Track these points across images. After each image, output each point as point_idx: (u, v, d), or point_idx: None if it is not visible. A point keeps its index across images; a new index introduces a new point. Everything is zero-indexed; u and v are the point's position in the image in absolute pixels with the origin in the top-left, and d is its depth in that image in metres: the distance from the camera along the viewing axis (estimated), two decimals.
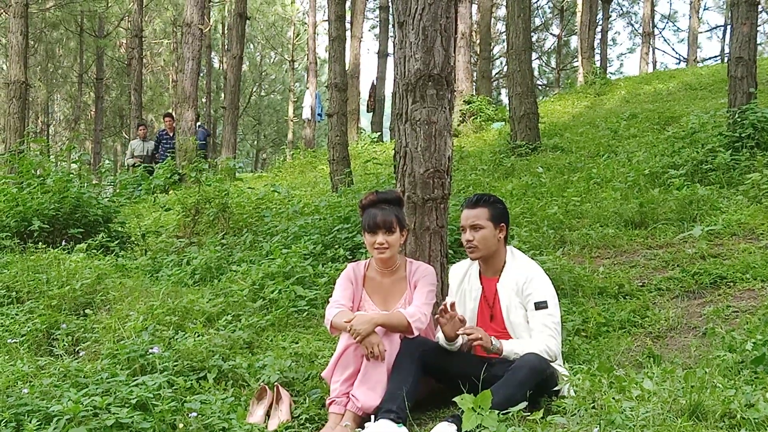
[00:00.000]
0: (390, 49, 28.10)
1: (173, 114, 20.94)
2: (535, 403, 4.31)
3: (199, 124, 19.73)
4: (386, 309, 4.95)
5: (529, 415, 3.92)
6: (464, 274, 5.10)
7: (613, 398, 3.69)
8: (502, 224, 4.92)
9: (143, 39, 32.35)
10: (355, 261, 5.43)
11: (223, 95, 32.75)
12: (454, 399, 4.12)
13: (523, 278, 4.80)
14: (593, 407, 3.81)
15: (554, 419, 3.80)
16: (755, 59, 11.25)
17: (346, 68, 15.85)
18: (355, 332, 4.59)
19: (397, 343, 4.69)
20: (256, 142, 57.79)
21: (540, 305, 4.71)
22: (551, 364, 4.55)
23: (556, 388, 4.41)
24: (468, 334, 4.61)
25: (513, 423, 3.82)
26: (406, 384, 4.46)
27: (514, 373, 4.36)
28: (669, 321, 6.18)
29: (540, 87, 47.53)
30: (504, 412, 3.90)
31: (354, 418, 4.50)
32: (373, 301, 5.01)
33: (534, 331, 4.69)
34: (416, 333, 4.75)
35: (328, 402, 4.63)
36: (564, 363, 4.89)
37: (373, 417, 4.40)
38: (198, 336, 5.75)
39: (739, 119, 10.57)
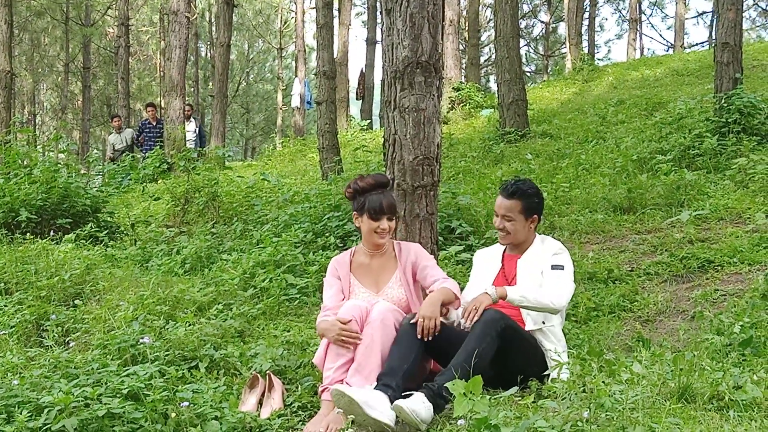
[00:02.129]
0: (378, 37, 28.06)
1: (155, 104, 20.90)
2: (526, 387, 4.34)
3: (197, 127, 19.77)
4: (377, 290, 4.97)
5: (520, 400, 3.94)
6: (485, 256, 5.21)
7: (603, 382, 3.71)
8: (534, 216, 4.99)
9: (130, 27, 32.21)
10: (346, 249, 5.43)
11: (211, 84, 32.67)
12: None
13: (550, 254, 4.89)
14: (583, 391, 3.84)
15: (545, 403, 3.82)
16: (741, 45, 11.30)
17: (335, 56, 15.82)
18: (428, 318, 4.56)
19: (391, 328, 4.66)
20: (245, 131, 57.62)
21: (556, 267, 4.80)
22: (509, 318, 4.59)
23: (546, 372, 4.44)
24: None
25: (504, 407, 3.84)
26: (407, 362, 4.45)
27: (471, 332, 4.45)
28: (658, 305, 6.22)
29: (528, 74, 47.51)
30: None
31: None
32: (363, 285, 5.02)
33: (548, 284, 4.76)
34: (459, 299, 4.82)
35: (320, 389, 4.62)
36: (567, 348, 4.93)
37: (375, 382, 4.39)
38: (189, 325, 5.75)
39: (725, 104, 10.63)
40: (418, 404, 4.11)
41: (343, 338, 4.63)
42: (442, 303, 4.71)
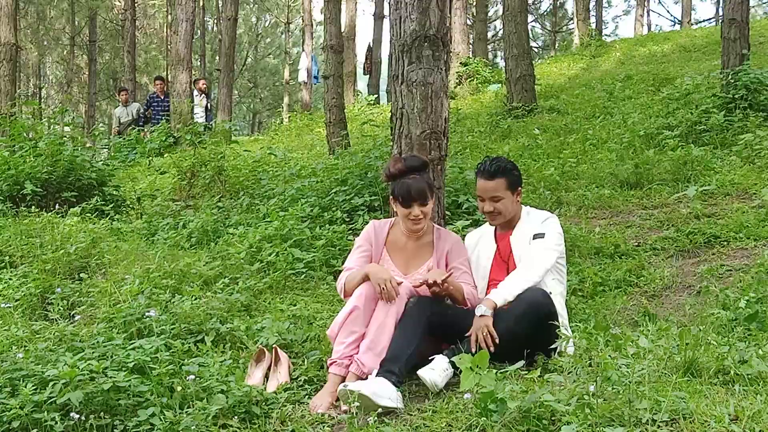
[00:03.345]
0: (386, 11, 27.93)
1: (163, 77, 20.88)
2: (532, 362, 4.34)
3: (209, 102, 19.82)
4: (407, 272, 4.91)
5: (526, 374, 3.94)
6: (478, 238, 5.12)
7: (610, 356, 3.71)
8: (519, 188, 4.95)
9: (136, 0, 32.10)
10: (352, 224, 5.39)
11: (218, 58, 32.58)
12: (452, 359, 4.15)
13: (539, 224, 4.86)
14: (590, 365, 3.84)
15: (551, 377, 3.82)
16: (748, 21, 11.26)
17: (342, 30, 15.77)
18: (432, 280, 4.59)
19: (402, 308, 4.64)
20: (252, 105, 57.56)
21: (537, 236, 4.77)
22: (554, 302, 4.59)
23: (553, 346, 4.42)
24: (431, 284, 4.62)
25: (511, 381, 3.84)
26: (410, 347, 4.45)
27: (514, 307, 4.48)
28: (664, 280, 6.21)
29: (536, 49, 47.32)
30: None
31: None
32: (393, 262, 4.95)
33: (532, 256, 4.73)
34: (468, 305, 4.78)
35: (329, 362, 4.61)
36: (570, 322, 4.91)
37: (375, 371, 4.39)
38: (195, 299, 5.74)
39: (732, 80, 10.59)
40: (440, 374, 4.28)
41: (385, 288, 4.57)
42: (452, 297, 4.75)
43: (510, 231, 4.97)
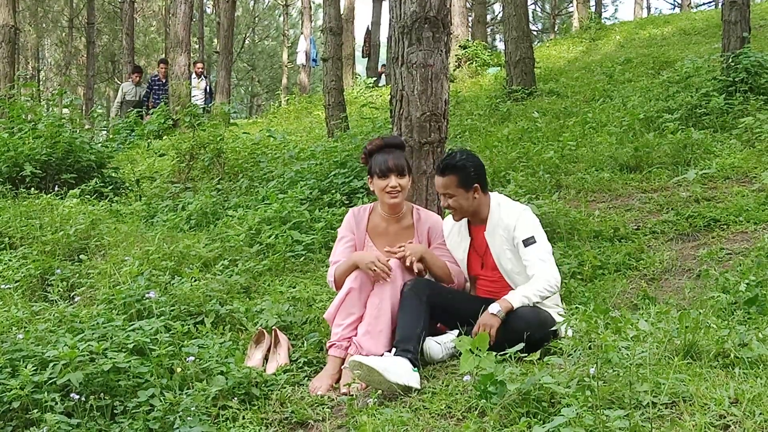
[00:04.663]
0: None
1: (167, 60, 20.79)
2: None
3: (207, 85, 19.77)
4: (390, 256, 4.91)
5: (526, 357, 3.94)
6: (452, 226, 5.07)
7: (609, 339, 3.71)
8: (475, 185, 4.81)
9: None
10: (351, 206, 5.38)
11: (216, 41, 32.49)
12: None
13: (512, 224, 4.74)
14: (590, 348, 3.84)
15: (551, 360, 3.82)
16: (749, 3, 11.24)
17: (341, 12, 15.71)
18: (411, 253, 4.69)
19: (401, 288, 4.63)
20: (250, 88, 57.42)
21: (528, 241, 4.67)
22: (548, 311, 4.55)
23: (553, 328, 4.41)
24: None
25: (510, 364, 3.84)
26: (418, 326, 4.44)
27: (512, 319, 4.39)
28: (663, 263, 6.21)
29: (535, 32, 47.20)
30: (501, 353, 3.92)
31: None
32: (376, 247, 4.93)
33: (533, 267, 4.62)
34: (455, 282, 4.87)
35: (328, 345, 4.62)
36: (562, 303, 4.90)
37: (393, 349, 4.38)
38: (195, 281, 5.74)
39: (732, 63, 10.56)
40: (442, 347, 4.53)
41: (376, 269, 4.60)
42: (437, 276, 4.81)
43: (483, 226, 4.88)
